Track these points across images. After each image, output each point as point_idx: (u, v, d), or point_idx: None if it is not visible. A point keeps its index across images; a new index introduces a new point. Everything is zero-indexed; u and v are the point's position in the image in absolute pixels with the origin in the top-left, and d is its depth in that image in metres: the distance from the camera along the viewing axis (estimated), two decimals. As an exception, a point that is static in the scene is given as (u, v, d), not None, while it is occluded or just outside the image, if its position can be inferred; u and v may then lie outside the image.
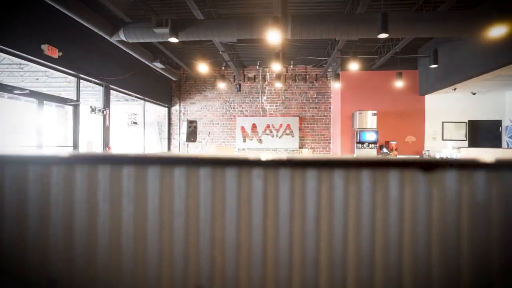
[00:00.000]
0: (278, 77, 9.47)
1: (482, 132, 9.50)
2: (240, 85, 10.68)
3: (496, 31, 5.10)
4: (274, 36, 5.25)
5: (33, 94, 5.89)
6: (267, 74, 10.92)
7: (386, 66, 9.26)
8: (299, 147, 10.78)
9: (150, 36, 5.99)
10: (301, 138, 10.86)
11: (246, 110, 11.04)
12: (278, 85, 9.85)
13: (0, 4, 4.77)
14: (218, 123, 11.16)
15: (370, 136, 8.71)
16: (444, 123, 9.61)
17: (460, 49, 7.49)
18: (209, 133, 10.77)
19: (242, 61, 10.54)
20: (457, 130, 9.56)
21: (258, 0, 5.93)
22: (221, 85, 10.47)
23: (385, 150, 8.84)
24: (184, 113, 11.31)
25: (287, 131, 10.80)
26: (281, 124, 10.81)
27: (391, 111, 9.41)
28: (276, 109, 10.98)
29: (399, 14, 5.38)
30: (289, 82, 10.93)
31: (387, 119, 9.37)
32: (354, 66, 7.55)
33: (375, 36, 5.27)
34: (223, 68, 10.58)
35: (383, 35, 4.95)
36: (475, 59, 6.91)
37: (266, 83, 10.94)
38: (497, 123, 9.55)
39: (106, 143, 7.72)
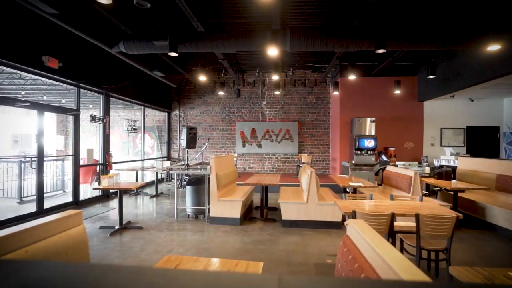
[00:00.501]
0: (277, 85, 9.52)
1: (480, 138, 9.55)
2: (239, 90, 10.72)
3: (491, 47, 5.18)
4: (273, 51, 5.31)
5: (34, 105, 5.95)
6: (267, 79, 10.97)
7: (385, 72, 9.32)
8: (298, 152, 10.84)
9: (150, 48, 6.04)
10: (300, 143, 10.90)
11: (246, 115, 11.07)
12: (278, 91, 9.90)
13: (1, 17, 4.83)
14: (217, 128, 11.20)
15: (369, 143, 8.76)
16: (442, 129, 9.64)
17: (458, 58, 7.55)
18: (209, 139, 10.83)
19: (241, 67, 10.58)
20: (456, 136, 9.60)
21: (257, 12, 5.97)
22: (221, 93, 10.49)
23: (384, 157, 8.91)
24: (183, 118, 11.36)
25: (287, 136, 10.83)
26: (281, 129, 10.84)
27: (390, 117, 9.45)
28: (276, 114, 11.01)
29: (397, 30, 5.43)
30: (289, 87, 10.96)
31: (386, 125, 9.42)
32: (352, 76, 7.61)
33: (373, 50, 5.33)
34: (222, 74, 10.61)
35: (381, 51, 5.01)
36: (473, 68, 6.97)
37: (266, 88, 10.99)
38: (495, 130, 9.61)
39: (106, 151, 7.79)
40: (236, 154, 10.46)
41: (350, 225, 1.80)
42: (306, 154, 10.35)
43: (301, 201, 5.08)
